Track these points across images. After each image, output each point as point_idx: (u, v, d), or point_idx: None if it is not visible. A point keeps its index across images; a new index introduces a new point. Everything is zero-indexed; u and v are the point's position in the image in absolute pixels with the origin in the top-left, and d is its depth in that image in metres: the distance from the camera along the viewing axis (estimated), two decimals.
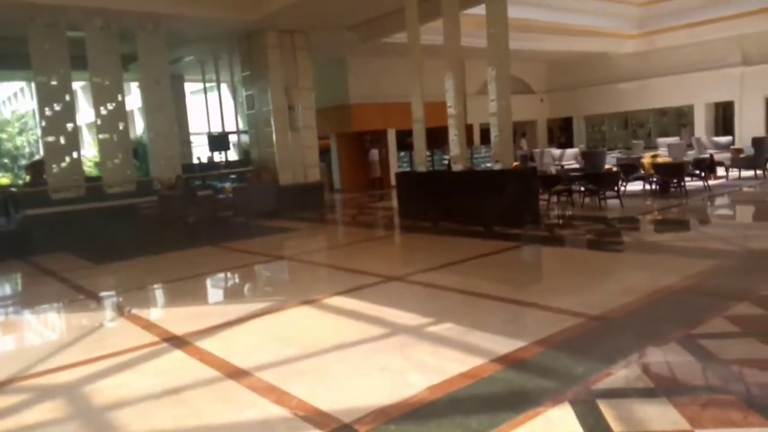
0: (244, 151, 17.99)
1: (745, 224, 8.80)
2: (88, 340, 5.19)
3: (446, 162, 21.05)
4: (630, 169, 12.43)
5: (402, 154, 20.88)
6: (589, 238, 8.12)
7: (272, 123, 14.11)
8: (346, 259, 8.11)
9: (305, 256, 8.65)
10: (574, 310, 4.74)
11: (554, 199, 11.55)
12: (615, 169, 13.48)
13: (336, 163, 20.28)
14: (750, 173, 14.27)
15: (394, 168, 19.65)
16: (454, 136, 10.46)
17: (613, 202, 10.99)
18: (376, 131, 19.72)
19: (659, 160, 13.08)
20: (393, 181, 19.27)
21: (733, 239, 7.30)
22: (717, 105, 21.39)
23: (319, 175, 15.14)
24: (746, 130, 19.63)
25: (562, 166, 14.57)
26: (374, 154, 19.25)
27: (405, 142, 20.97)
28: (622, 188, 11.46)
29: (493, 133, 9.88)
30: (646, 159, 13.67)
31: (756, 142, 14.61)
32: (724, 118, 21.64)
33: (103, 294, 7.18)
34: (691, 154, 16.26)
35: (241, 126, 19.25)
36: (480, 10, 12.91)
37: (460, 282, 6.16)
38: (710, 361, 3.53)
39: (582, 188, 11.35)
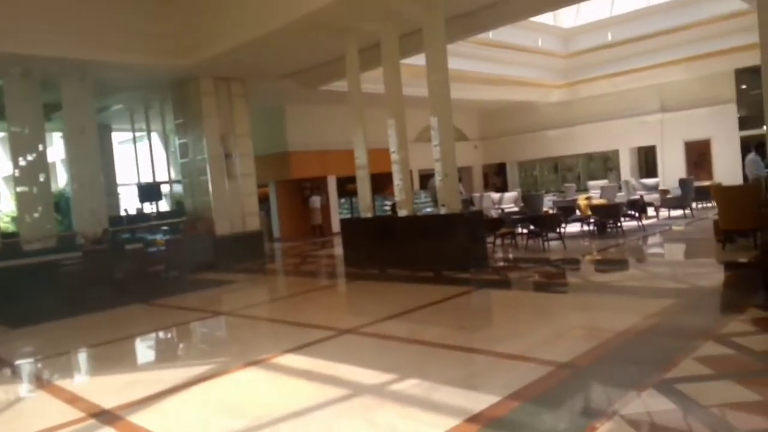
0: (177, 202, 17.20)
1: (687, 262, 9.00)
2: (3, 418, 4.46)
3: (388, 208, 21.07)
4: (568, 212, 12.69)
5: (343, 200, 20.71)
6: (539, 280, 8.05)
7: (208, 171, 13.56)
8: (293, 312, 7.62)
9: (247, 310, 8.08)
10: (542, 358, 4.52)
11: (498, 242, 11.56)
12: (552, 211, 13.79)
13: (275, 211, 19.76)
14: (678, 212, 14.96)
15: (335, 215, 19.39)
16: (399, 182, 10.34)
17: (555, 244, 11.12)
18: (315, 178, 19.46)
19: (595, 201, 13.48)
20: (335, 228, 19.07)
21: (681, 277, 7.41)
22: (640, 149, 22.63)
23: (259, 224, 14.60)
24: (668, 172, 20.80)
25: (503, 210, 14.78)
26: (315, 201, 18.92)
27: (345, 188, 20.85)
28: (562, 230, 11.62)
29: (438, 178, 9.85)
30: (582, 201, 14.07)
31: (682, 182, 15.38)
32: (647, 161, 22.91)
33: (20, 362, 6.35)
34: (620, 196, 16.93)
35: (173, 175, 18.48)
36: (417, 60, 13.28)
37: (417, 332, 5.85)
38: (693, 407, 3.36)
39: (525, 231, 11.45)
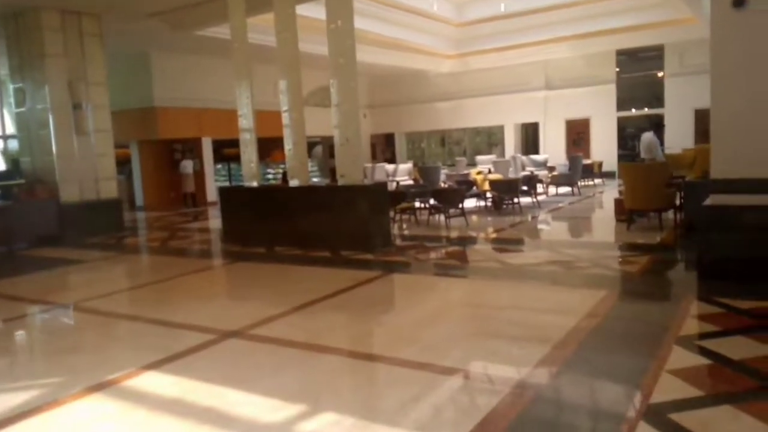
0: (12, 160, 14.22)
1: (600, 243, 8.41)
2: None
3: (271, 176, 19.39)
4: (466, 186, 12.09)
5: (219, 166, 18.71)
6: (453, 263, 7.17)
7: (51, 124, 11.10)
8: (159, 306, 6.05)
9: (97, 302, 6.31)
10: (495, 374, 3.57)
11: (397, 217, 10.63)
12: (448, 185, 13.16)
13: (139, 176, 17.29)
14: (565, 189, 15.07)
15: (210, 182, 17.39)
16: (291, 146, 8.94)
17: (456, 220, 10.42)
18: (188, 140, 17.24)
19: (491, 176, 13.02)
20: (210, 197, 17.09)
21: (600, 261, 6.82)
22: (524, 125, 22.93)
23: (117, 191, 12.39)
24: (550, 149, 21.26)
25: (398, 183, 13.88)
26: (187, 166, 16.75)
27: (223, 153, 18.84)
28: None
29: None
30: (477, 176, 13.57)
31: (572, 160, 15.49)
32: (527, 138, 23.31)
33: None
34: (510, 172, 16.80)
35: (6, 129, 15.33)
36: (311, 11, 11.79)
37: (324, 334, 4.66)
38: None
39: (425, 205, 10.63)
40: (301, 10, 10.14)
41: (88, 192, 11.76)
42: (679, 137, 18.89)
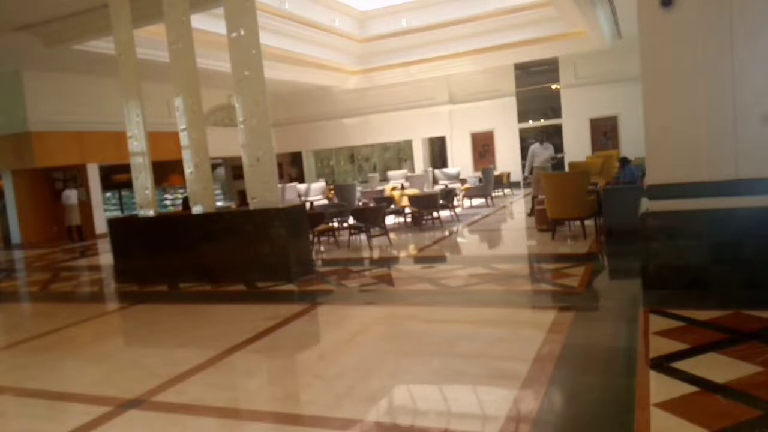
0: None
1: (531, 256, 8.13)
2: None
3: (169, 202, 17.87)
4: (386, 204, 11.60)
5: (109, 194, 17.01)
6: (388, 288, 6.55)
7: None
8: (32, 372, 4.88)
9: None
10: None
11: (315, 240, 9.89)
12: (363, 203, 12.65)
13: (14, 210, 15.23)
14: (479, 201, 15.03)
15: (99, 213, 15.69)
16: (191, 168, 7.97)
17: (378, 240, 9.87)
18: (70, 167, 15.46)
19: (408, 192, 12.64)
20: (99, 230, 15.37)
21: (539, 276, 6.57)
22: (431, 139, 22.99)
23: None
24: (457, 162, 21.42)
25: (312, 203, 13.13)
26: (70, 196, 14.95)
27: (112, 179, 17.17)
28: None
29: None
30: (394, 192, 13.16)
31: (485, 172, 15.50)
32: (434, 152, 23.40)
33: None
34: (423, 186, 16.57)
35: None
36: (208, 24, 10.89)
37: (248, 395, 3.86)
38: None
39: (345, 226, 9.99)
40: (195, 23, 9.22)
41: None
42: (577, 146, 19.69)
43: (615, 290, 5.91)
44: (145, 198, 8.42)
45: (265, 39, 15.29)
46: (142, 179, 8.42)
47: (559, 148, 18.32)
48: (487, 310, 5.31)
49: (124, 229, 8.78)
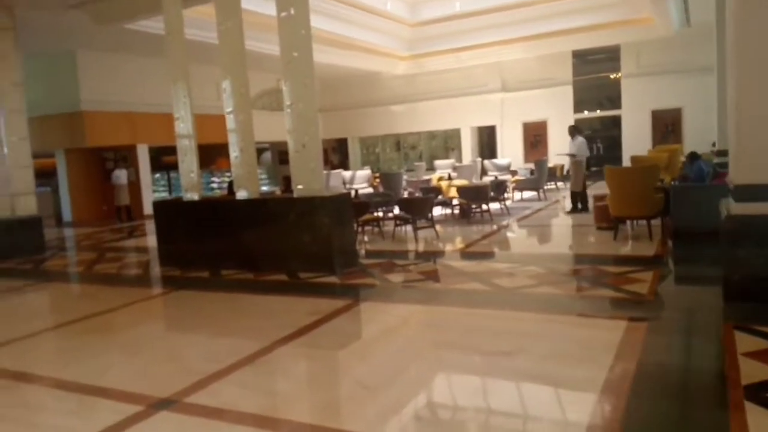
0: None
1: (595, 257, 7.20)
2: None
3: (216, 185, 17.94)
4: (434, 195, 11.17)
5: (158, 176, 17.18)
6: (436, 286, 6.15)
7: None
8: (67, 361, 4.71)
9: None
10: None
11: (360, 230, 9.57)
12: (409, 192, 12.26)
13: (66, 189, 15.55)
14: (530, 194, 14.41)
15: (147, 194, 15.84)
16: (237, 153, 7.75)
17: (425, 232, 9.47)
18: (121, 147, 15.65)
19: (457, 182, 12.17)
20: (147, 210, 15.52)
21: (601, 279, 6.06)
22: (480, 129, 22.33)
23: (36, 206, 10.82)
24: (507, 153, 20.72)
25: (356, 191, 12.84)
26: (120, 176, 15.16)
27: (161, 161, 17.33)
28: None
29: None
30: (441, 182, 12.72)
31: (537, 164, 14.85)
32: (482, 141, 22.72)
33: None
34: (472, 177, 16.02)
35: None
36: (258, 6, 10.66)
37: (286, 401, 3.57)
38: None
39: (390, 216, 9.64)
40: (245, 3, 8.96)
41: (1, 209, 10.21)
42: (637, 139, 18.69)
43: (690, 300, 5.35)
44: (190, 181, 8.28)
45: (315, 21, 14.93)
46: (188, 162, 8.27)
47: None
48: (546, 317, 4.85)
49: (169, 212, 8.68)
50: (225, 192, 13.50)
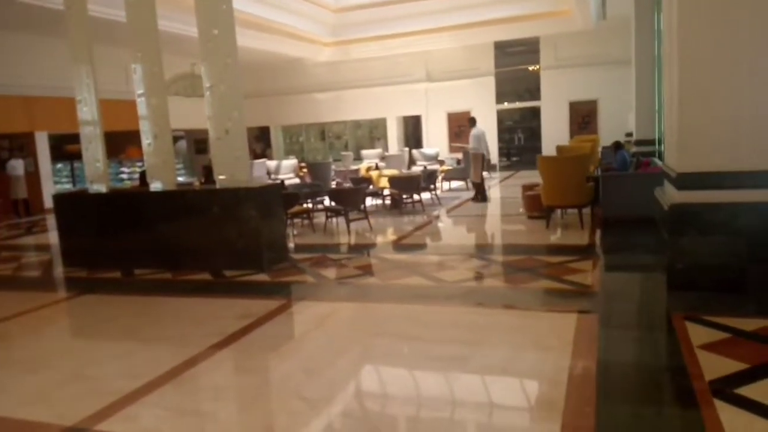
0: None
1: (533, 247, 6.99)
2: None
3: (126, 176, 16.62)
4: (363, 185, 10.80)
5: (60, 165, 15.68)
6: (374, 282, 5.81)
7: None
8: None
9: None
10: None
11: (289, 222, 9.04)
12: (338, 182, 11.85)
13: None
14: (458, 184, 14.39)
15: (48, 185, 14.42)
16: (150, 140, 7.02)
17: (357, 224, 9.09)
18: (16, 134, 14.10)
19: (387, 172, 11.87)
20: (48, 204, 14.10)
21: (542, 269, 5.94)
22: (406, 119, 22.17)
23: None
24: (432, 142, 20.69)
25: (283, 182, 12.20)
26: (16, 166, 13.65)
27: (64, 150, 15.84)
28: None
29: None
30: (371, 172, 12.37)
31: (465, 154, 14.81)
32: (413, 131, 22.60)
33: None
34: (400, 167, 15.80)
35: None
36: None
37: (227, 428, 3.10)
38: None
39: (320, 208, 9.19)
40: None
41: None
42: (555, 130, 19.21)
43: (634, 290, 5.31)
44: (96, 171, 7.44)
45: (234, 2, 14.26)
46: (93, 150, 7.42)
47: None
48: (493, 312, 4.63)
49: (73, 206, 7.76)
50: (137, 183, 12.47)
